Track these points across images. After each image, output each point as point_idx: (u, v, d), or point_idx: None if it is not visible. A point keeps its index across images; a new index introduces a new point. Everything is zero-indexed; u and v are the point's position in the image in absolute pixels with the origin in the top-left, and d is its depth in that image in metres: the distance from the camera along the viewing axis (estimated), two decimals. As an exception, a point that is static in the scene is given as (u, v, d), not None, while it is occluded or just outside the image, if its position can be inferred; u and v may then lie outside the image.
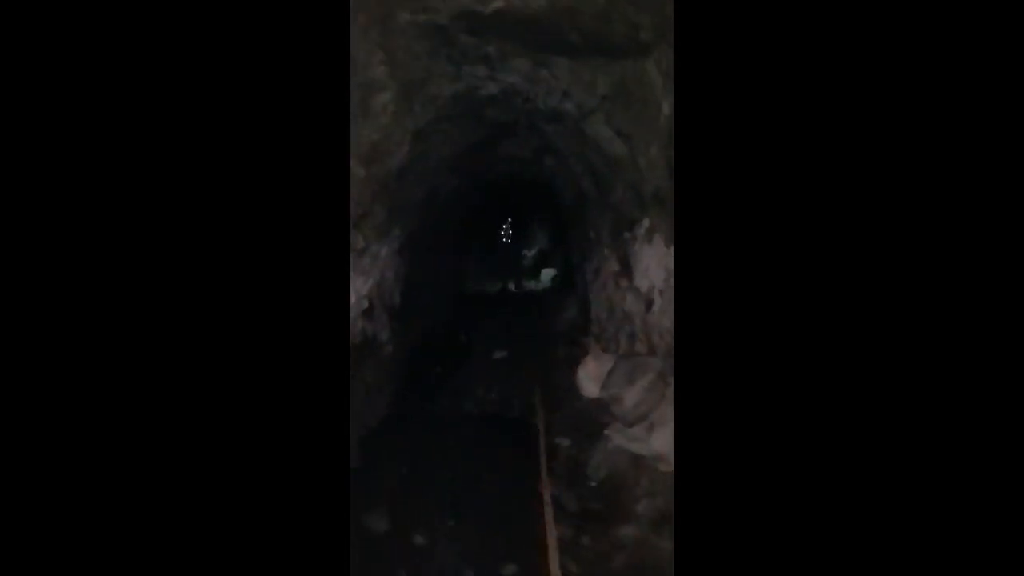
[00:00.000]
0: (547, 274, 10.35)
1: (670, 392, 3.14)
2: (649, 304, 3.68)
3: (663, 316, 3.41)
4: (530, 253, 11.60)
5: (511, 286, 9.86)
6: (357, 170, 3.14)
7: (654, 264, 3.57)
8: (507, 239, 12.31)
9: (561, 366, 4.89)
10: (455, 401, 4.63)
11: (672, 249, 3.14)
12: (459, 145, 4.34)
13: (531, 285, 10.08)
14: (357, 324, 3.90)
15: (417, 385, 4.80)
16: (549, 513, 2.88)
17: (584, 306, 5.58)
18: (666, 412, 3.10)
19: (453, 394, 4.76)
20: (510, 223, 12.01)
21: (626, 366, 3.52)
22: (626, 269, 4.02)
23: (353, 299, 3.70)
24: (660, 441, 2.99)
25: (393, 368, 4.67)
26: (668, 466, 2.88)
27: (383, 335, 4.47)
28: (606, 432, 3.53)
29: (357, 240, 3.57)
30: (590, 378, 3.93)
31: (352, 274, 3.58)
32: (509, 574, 2.55)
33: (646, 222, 3.60)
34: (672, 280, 3.14)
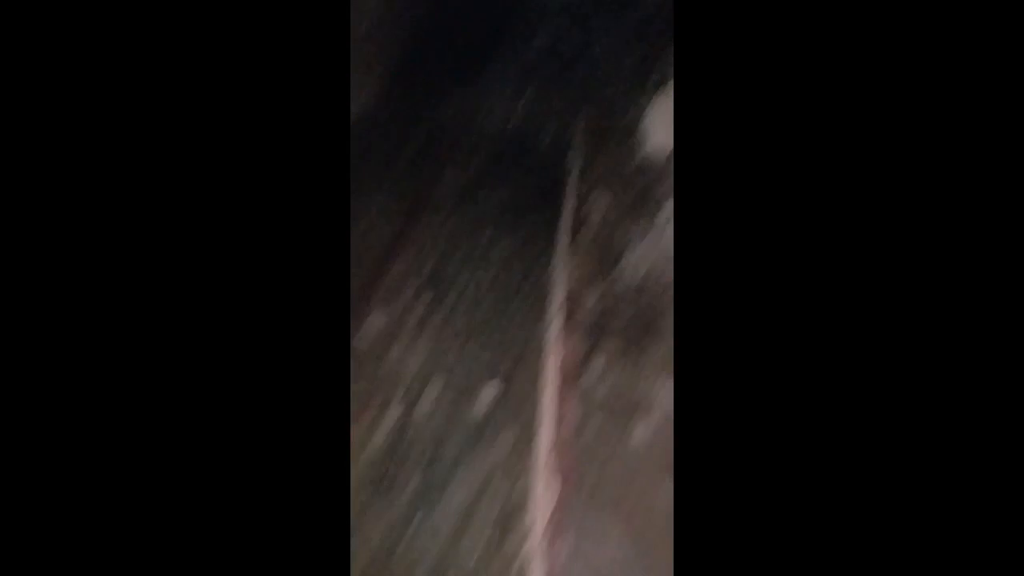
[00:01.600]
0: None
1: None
2: None
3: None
4: None
5: None
6: None
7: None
8: None
9: (624, 83, 3.45)
10: (467, 108, 3.37)
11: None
12: None
13: None
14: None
15: (416, 71, 3.44)
16: (557, 320, 2.08)
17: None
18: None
19: (467, 95, 3.47)
20: None
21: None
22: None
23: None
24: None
25: (382, 33, 3.26)
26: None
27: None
28: (663, 210, 2.47)
29: None
30: (666, 124, 2.63)
31: None
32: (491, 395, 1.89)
33: None
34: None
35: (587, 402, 1.81)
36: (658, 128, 2.64)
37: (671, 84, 2.75)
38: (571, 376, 1.90)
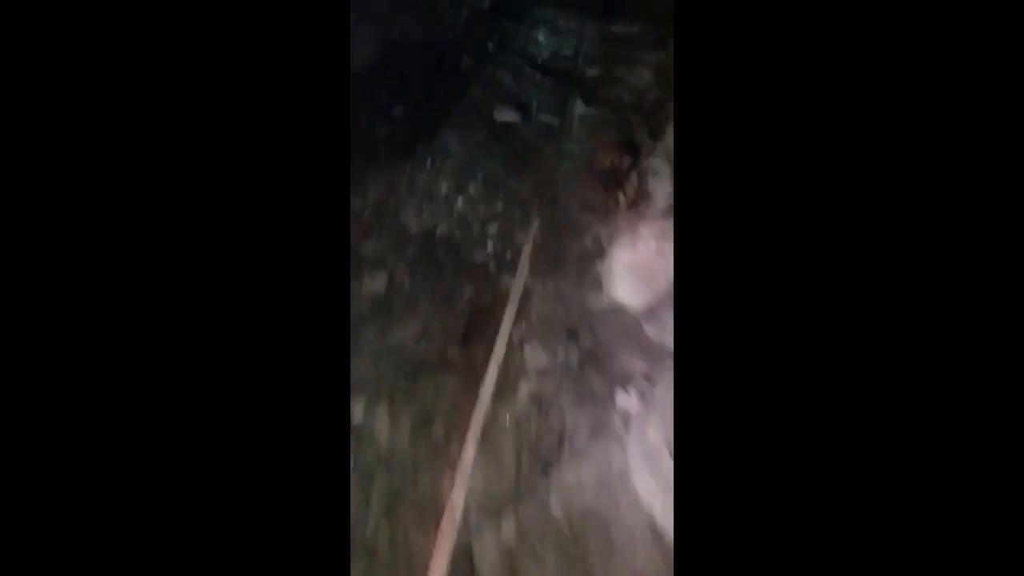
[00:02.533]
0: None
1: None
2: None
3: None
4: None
5: None
6: None
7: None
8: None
9: (588, 194, 2.93)
10: (403, 199, 2.77)
11: None
12: None
13: None
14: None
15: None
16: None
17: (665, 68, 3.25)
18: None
19: (401, 178, 2.87)
20: None
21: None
22: None
23: None
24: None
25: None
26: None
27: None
28: (620, 398, 1.89)
29: None
30: (633, 271, 2.09)
31: None
32: None
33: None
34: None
35: None
36: (624, 281, 2.09)
37: (644, 228, 2.22)
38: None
